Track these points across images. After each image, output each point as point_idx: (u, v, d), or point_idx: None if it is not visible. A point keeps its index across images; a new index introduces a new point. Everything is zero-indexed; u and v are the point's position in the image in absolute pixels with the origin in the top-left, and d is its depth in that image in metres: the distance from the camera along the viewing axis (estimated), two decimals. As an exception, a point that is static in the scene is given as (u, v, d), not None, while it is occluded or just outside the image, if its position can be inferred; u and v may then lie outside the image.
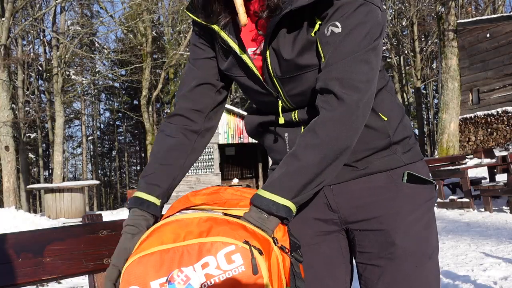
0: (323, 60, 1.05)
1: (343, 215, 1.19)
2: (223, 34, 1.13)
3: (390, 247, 1.14)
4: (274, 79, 1.12)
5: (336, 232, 1.22)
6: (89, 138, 37.23)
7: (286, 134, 1.19)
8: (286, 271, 0.95)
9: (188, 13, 1.19)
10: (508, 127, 15.93)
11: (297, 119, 1.15)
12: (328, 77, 1.02)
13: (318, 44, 1.06)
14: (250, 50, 1.14)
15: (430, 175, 1.22)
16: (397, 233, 1.13)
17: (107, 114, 41.02)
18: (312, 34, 1.06)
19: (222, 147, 20.10)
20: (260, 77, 1.13)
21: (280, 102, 1.15)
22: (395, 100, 1.21)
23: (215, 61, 1.24)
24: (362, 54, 1.02)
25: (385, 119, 1.15)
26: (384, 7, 1.10)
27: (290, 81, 1.11)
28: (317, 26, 1.06)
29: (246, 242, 0.88)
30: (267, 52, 1.10)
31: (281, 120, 1.15)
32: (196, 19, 1.17)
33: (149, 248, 0.92)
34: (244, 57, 1.12)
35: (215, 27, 1.14)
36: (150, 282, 0.88)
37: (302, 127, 1.16)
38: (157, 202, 1.15)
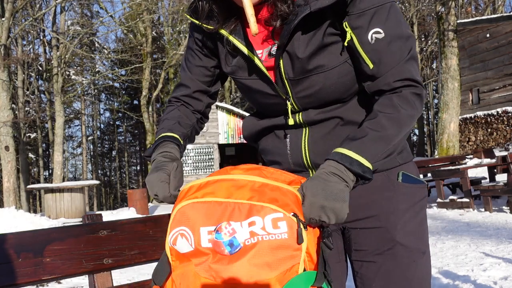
0: (371, 66, 1.09)
1: None
2: (232, 38, 1.16)
3: (389, 243, 1.17)
4: (286, 81, 1.15)
5: (333, 231, 1.24)
6: (89, 138, 37.22)
7: (288, 136, 1.22)
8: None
9: (192, 19, 1.21)
10: (508, 127, 15.93)
11: (301, 120, 1.18)
12: (392, 81, 1.08)
13: (360, 52, 1.09)
14: (259, 52, 1.17)
15: (419, 175, 1.27)
16: (396, 230, 1.17)
17: (107, 114, 41.05)
18: (345, 43, 1.09)
19: (222, 147, 20.10)
20: (271, 79, 1.15)
21: (288, 103, 1.17)
22: None
23: (211, 70, 1.31)
24: (410, 52, 1.09)
25: None
26: None
27: (299, 82, 1.14)
28: (350, 36, 1.09)
29: (294, 215, 0.93)
30: (281, 55, 1.12)
31: (291, 121, 1.18)
32: (202, 25, 1.19)
33: (202, 197, 0.97)
34: (256, 60, 1.14)
35: (223, 31, 1.17)
36: (200, 227, 0.94)
37: (304, 129, 1.20)
38: (181, 141, 1.23)
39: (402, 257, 1.17)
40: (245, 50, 1.15)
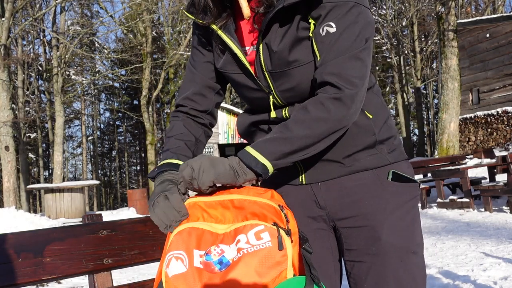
0: (318, 58, 1.12)
1: (331, 212, 1.23)
2: (220, 33, 1.21)
3: (376, 243, 1.17)
4: (266, 73, 1.18)
5: (326, 230, 1.26)
6: (89, 138, 37.21)
7: None
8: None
9: (187, 14, 1.26)
10: (508, 127, 15.93)
11: (287, 116, 1.21)
12: (325, 72, 1.09)
13: (314, 43, 1.12)
14: (247, 48, 1.22)
15: (414, 175, 1.27)
16: (382, 229, 1.17)
17: (107, 114, 41.01)
18: (310, 33, 1.13)
19: (222, 147, 20.09)
20: (252, 72, 1.20)
21: (271, 97, 1.21)
22: (381, 101, 1.28)
23: (214, 65, 1.32)
24: (356, 52, 1.08)
25: (371, 117, 1.22)
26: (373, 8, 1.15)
27: (280, 76, 1.17)
28: (312, 27, 1.12)
29: (275, 224, 1.00)
30: (260, 46, 1.17)
31: (273, 114, 1.22)
32: (195, 19, 1.23)
33: (197, 220, 1.06)
34: (238, 52, 1.19)
35: (214, 26, 1.21)
36: (193, 249, 1.02)
37: None
38: None
39: (390, 256, 1.17)
40: (231, 44, 1.19)
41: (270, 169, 1.08)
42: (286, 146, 1.08)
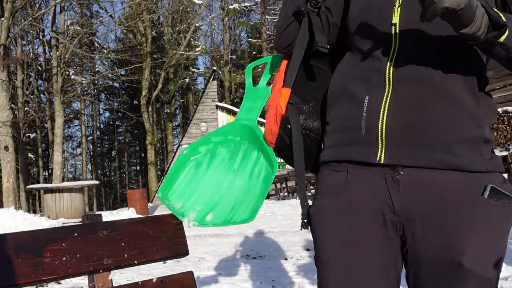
0: None
1: (405, 219, 1.06)
2: None
3: (454, 267, 1.02)
4: None
5: (392, 239, 1.09)
6: (89, 138, 37.22)
7: (367, 97, 1.09)
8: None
9: None
10: (508, 127, 15.95)
11: (391, 75, 1.06)
12: None
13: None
14: None
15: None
16: (464, 254, 1.00)
17: (107, 114, 41.00)
18: None
19: (222, 147, 20.04)
20: None
21: (395, 6, 1.07)
22: (493, 102, 1.11)
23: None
24: None
25: (480, 105, 1.06)
26: None
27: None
28: None
29: None
30: None
31: (395, 20, 1.06)
32: None
33: None
34: None
35: None
36: None
37: (388, 89, 1.07)
38: None
39: (466, 284, 1.01)
40: None
41: (504, 36, 0.95)
42: None
